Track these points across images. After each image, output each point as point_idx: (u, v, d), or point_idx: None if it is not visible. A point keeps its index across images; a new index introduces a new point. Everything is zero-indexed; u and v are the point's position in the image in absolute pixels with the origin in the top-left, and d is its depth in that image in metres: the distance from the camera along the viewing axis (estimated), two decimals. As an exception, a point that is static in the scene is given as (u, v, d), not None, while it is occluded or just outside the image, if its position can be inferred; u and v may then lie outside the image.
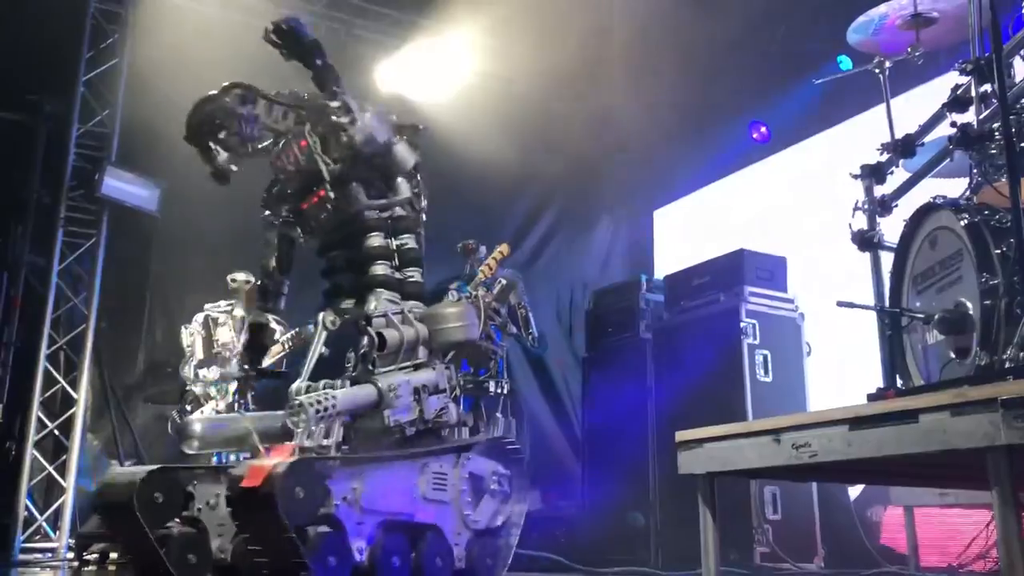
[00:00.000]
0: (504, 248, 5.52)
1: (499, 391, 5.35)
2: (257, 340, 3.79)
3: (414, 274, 3.68)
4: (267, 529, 2.81)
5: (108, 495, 3.28)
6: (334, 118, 3.53)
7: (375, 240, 3.61)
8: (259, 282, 3.93)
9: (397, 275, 3.62)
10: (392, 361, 3.40)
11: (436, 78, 7.26)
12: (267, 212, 3.83)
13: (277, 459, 2.88)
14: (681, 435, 2.61)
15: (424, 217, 3.84)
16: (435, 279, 5.34)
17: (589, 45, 6.30)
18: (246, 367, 4.93)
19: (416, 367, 3.46)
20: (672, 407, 5.36)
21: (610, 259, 8.45)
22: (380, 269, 3.57)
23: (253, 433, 3.33)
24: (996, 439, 1.81)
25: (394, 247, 3.66)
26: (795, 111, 6.34)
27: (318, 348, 3.38)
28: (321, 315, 3.43)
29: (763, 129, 7.14)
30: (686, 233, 7.93)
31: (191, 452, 3.43)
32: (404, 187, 3.77)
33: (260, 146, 3.57)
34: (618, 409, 5.85)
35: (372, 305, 3.43)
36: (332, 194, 3.47)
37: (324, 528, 2.93)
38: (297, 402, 3.06)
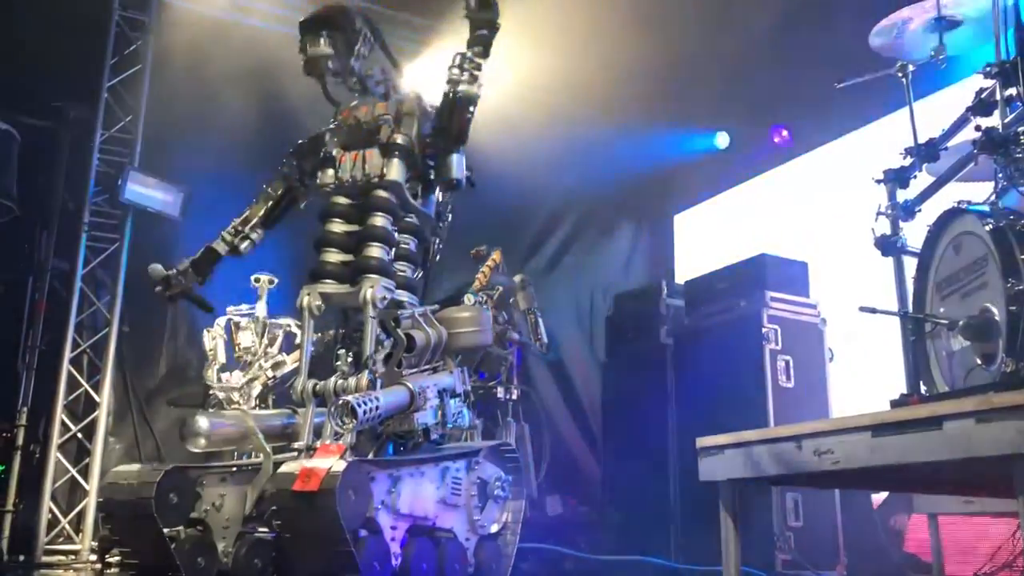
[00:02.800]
0: (496, 256, 5.54)
1: (508, 397, 5.37)
2: (203, 262, 4.00)
3: (405, 269, 3.57)
4: (318, 533, 2.76)
5: (115, 494, 3.24)
6: (425, 105, 3.67)
7: (380, 220, 3.50)
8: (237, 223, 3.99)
9: (394, 265, 3.53)
10: (415, 363, 3.39)
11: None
12: (284, 166, 3.88)
13: (330, 460, 2.81)
14: (702, 441, 2.60)
15: (443, 232, 3.82)
16: (453, 285, 5.36)
17: (609, 52, 6.28)
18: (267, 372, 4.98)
19: (435, 370, 3.45)
20: (693, 413, 5.33)
21: (631, 264, 8.43)
22: (376, 252, 3.44)
23: (258, 433, 3.33)
24: (1022, 447, 1.79)
25: (396, 240, 3.56)
26: (817, 115, 6.30)
27: (308, 338, 3.38)
28: (306, 300, 3.40)
29: (784, 133, 7.11)
30: (708, 238, 7.89)
31: (196, 450, 3.44)
32: (439, 195, 3.75)
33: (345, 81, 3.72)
34: (638, 414, 5.83)
35: (368, 292, 3.31)
36: (382, 160, 3.51)
37: (366, 532, 2.92)
38: (343, 402, 2.97)
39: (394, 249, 3.53)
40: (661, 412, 5.60)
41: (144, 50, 6.39)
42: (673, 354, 5.75)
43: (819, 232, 6.25)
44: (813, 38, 5.73)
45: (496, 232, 5.99)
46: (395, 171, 3.52)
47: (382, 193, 3.51)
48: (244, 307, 5.61)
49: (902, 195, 3.30)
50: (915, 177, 3.28)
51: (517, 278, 5.79)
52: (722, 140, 7.80)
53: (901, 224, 3.24)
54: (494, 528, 3.54)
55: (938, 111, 3.46)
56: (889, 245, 3.22)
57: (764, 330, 5.02)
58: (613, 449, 6.18)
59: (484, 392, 5.34)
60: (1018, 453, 1.80)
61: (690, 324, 5.73)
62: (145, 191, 6.09)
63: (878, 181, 3.32)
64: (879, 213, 3.30)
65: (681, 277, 6.57)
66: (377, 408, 3.04)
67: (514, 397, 5.50)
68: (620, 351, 6.31)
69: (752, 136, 7.41)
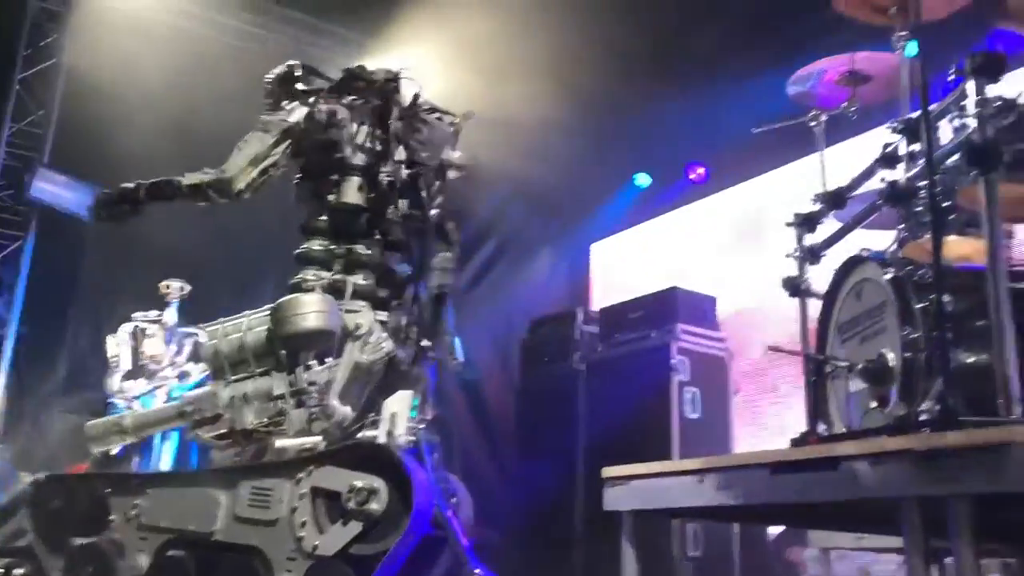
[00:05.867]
0: None
1: (422, 417, 5.32)
2: None
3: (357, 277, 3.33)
4: None
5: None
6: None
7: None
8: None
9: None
10: (218, 373, 3.20)
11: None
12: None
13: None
14: (608, 471, 2.64)
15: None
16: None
17: (535, 79, 6.37)
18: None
19: (265, 374, 3.16)
20: (602, 440, 5.40)
21: (548, 289, 8.51)
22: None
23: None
24: (909, 489, 1.88)
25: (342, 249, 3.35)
26: (734, 154, 6.50)
27: None
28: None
29: (700, 170, 7.29)
30: (624, 267, 8.03)
31: (96, 452, 3.38)
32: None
33: None
34: (549, 440, 5.87)
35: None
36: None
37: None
38: None
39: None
40: (571, 438, 5.66)
41: (60, 43, 6.20)
42: (585, 381, 5.82)
43: (732, 268, 6.42)
44: (734, 80, 5.92)
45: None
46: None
47: None
48: (152, 313, 5.46)
49: (810, 239, 3.41)
50: (822, 222, 3.40)
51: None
52: (643, 180, 7.92)
53: (808, 267, 3.36)
54: (351, 550, 2.70)
55: (849, 157, 3.61)
56: (795, 287, 3.33)
57: (673, 361, 5.13)
58: (523, 474, 6.21)
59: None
60: (905, 496, 1.88)
61: (603, 352, 5.81)
62: (54, 189, 5.90)
63: (788, 224, 3.44)
64: (788, 255, 3.41)
65: (597, 305, 6.66)
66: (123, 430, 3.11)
67: (428, 417, 5.47)
68: (534, 376, 6.35)
69: (669, 171, 7.59)
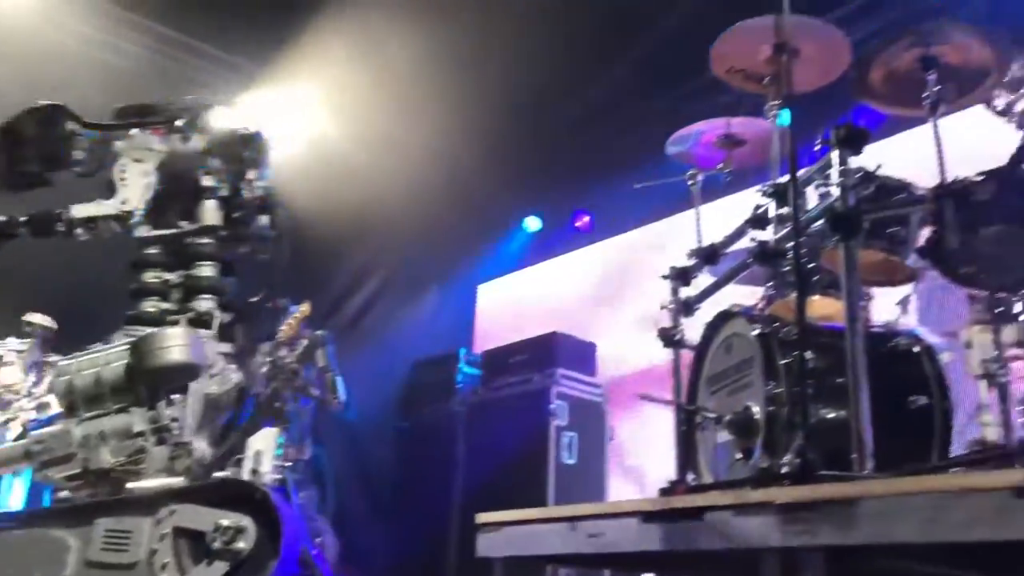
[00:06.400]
0: (305, 308, 5.43)
1: (299, 457, 5.21)
2: None
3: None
4: None
5: None
6: None
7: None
8: None
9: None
10: (74, 410, 3.13)
11: (271, 130, 7.14)
12: None
13: None
14: (481, 517, 2.64)
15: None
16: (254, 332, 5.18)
17: (427, 116, 6.41)
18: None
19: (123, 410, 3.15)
20: (479, 484, 5.39)
21: (433, 330, 8.47)
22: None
23: None
24: (770, 541, 1.95)
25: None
26: (618, 205, 6.68)
27: None
28: None
29: (586, 219, 7.45)
30: (511, 310, 8.09)
31: None
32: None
33: None
34: (426, 483, 5.83)
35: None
36: None
37: None
38: None
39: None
40: (448, 482, 5.63)
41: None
42: (465, 424, 5.81)
43: (613, 315, 6.56)
44: (619, 135, 6.11)
45: (297, 286, 5.87)
46: None
47: None
48: (12, 340, 5.22)
49: (685, 291, 3.54)
50: (696, 276, 3.53)
51: (318, 334, 5.69)
52: (532, 224, 8.03)
53: (682, 319, 3.47)
54: None
55: (723, 216, 3.77)
56: (669, 338, 3.43)
57: (552, 406, 5.19)
58: (399, 517, 6.12)
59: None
60: (767, 547, 1.95)
61: (484, 395, 5.83)
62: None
63: (664, 277, 3.56)
64: (663, 307, 3.52)
65: (482, 347, 6.68)
66: None
67: (304, 458, 5.36)
68: (415, 417, 6.31)
69: (557, 218, 7.73)
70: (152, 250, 3.23)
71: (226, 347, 3.14)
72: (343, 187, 6.99)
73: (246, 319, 3.32)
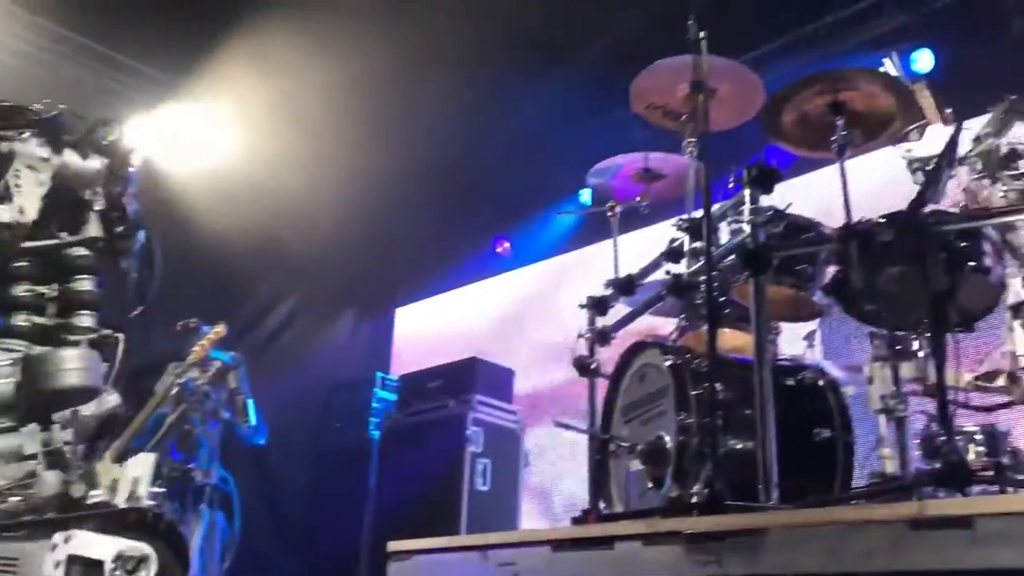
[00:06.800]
0: (220, 329, 5.30)
1: (205, 481, 5.07)
2: None
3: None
4: None
5: None
6: None
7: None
8: None
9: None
10: None
11: (188, 146, 7.00)
12: None
13: None
14: (393, 545, 2.61)
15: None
16: (160, 353, 5.04)
17: (344, 143, 6.38)
18: None
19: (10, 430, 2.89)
20: (392, 510, 5.34)
21: (349, 354, 8.36)
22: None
23: None
24: (680, 570, 1.97)
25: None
26: (537, 234, 6.75)
27: None
28: None
29: (506, 244, 7.49)
30: (430, 334, 8.06)
31: None
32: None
33: None
34: (338, 509, 5.74)
35: None
36: None
37: None
38: None
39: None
40: (360, 509, 5.55)
41: None
42: (380, 449, 5.75)
43: (531, 342, 6.59)
44: (540, 165, 6.18)
45: (210, 306, 5.73)
46: None
47: None
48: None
49: (601, 320, 3.58)
50: (613, 306, 3.58)
51: (230, 355, 5.56)
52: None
53: (598, 348, 3.51)
54: None
55: (641, 247, 3.83)
56: (585, 367, 3.47)
57: (468, 432, 5.18)
58: (309, 544, 6.00)
59: (181, 474, 5.02)
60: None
61: (399, 419, 5.78)
62: None
63: (581, 306, 3.60)
64: (580, 335, 3.56)
65: (399, 371, 6.63)
66: None
67: (212, 482, 5.21)
68: (329, 443, 6.21)
69: (477, 243, 7.74)
70: (22, 262, 3.12)
71: (104, 367, 3.04)
72: (258, 207, 6.88)
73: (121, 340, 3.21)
